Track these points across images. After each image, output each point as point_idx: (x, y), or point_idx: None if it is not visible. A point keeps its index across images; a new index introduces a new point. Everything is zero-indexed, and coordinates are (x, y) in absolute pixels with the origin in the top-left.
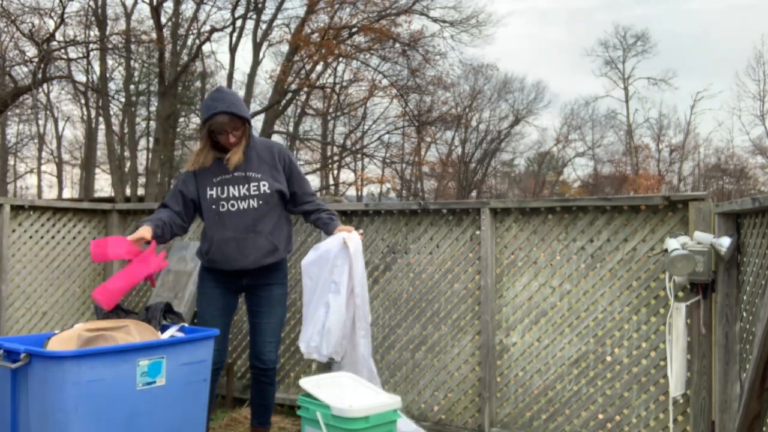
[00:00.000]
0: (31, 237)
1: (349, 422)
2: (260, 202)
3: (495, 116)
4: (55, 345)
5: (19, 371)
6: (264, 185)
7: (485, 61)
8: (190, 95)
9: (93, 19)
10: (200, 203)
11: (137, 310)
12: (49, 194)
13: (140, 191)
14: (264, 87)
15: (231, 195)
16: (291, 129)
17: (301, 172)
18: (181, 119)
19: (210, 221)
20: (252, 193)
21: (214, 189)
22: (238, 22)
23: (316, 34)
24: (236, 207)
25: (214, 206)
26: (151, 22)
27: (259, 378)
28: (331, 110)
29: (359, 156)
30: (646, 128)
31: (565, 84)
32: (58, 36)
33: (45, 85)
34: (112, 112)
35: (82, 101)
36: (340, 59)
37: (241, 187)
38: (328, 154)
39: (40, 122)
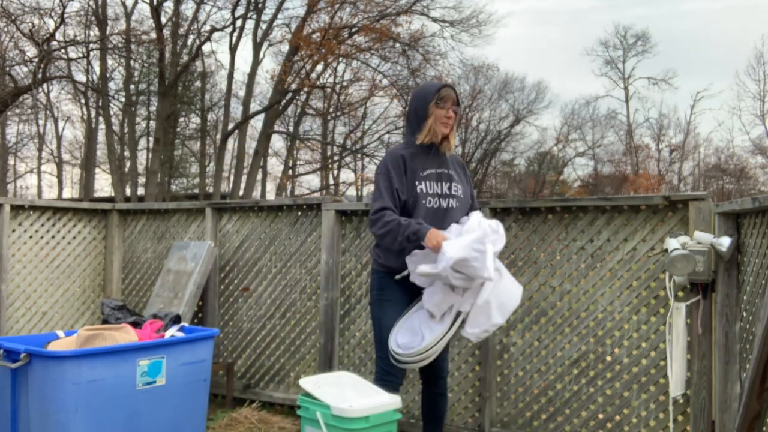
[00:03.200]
0: (31, 237)
1: (349, 422)
2: (456, 204)
3: (495, 116)
4: (55, 348)
5: (19, 371)
6: (459, 189)
7: (485, 61)
8: (190, 95)
9: (93, 19)
10: (406, 197)
11: (138, 311)
12: (49, 194)
13: (140, 191)
14: (264, 87)
15: (434, 191)
16: (291, 129)
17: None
18: (181, 119)
19: (414, 213)
20: (453, 192)
21: (423, 183)
22: (238, 22)
23: (317, 34)
24: (437, 204)
25: (419, 201)
26: (151, 22)
27: (431, 389)
28: (331, 110)
29: (359, 156)
30: (646, 128)
31: (565, 84)
32: (58, 36)
33: (45, 85)
34: (112, 112)
35: (82, 101)
36: (340, 59)
37: (445, 184)
38: (328, 154)
39: (40, 122)
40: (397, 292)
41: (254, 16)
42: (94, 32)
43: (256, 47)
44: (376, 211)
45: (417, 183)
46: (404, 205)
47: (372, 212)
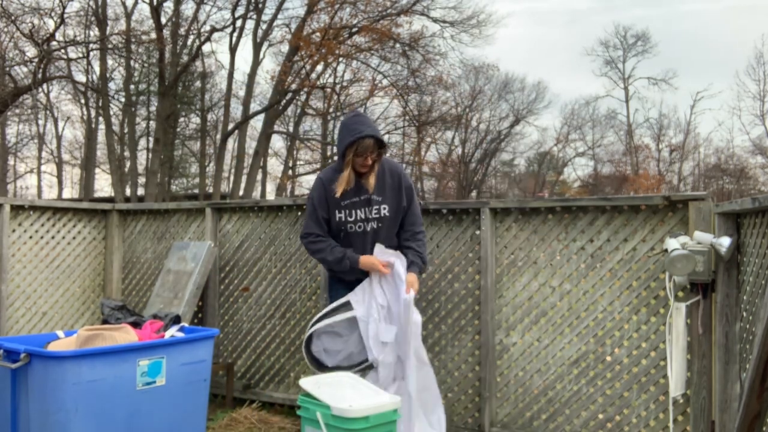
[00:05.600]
0: (31, 237)
1: (349, 422)
2: (379, 224)
3: (495, 116)
4: (55, 348)
5: (19, 371)
6: (384, 208)
7: (486, 61)
8: (190, 95)
9: (93, 19)
10: (329, 222)
11: (138, 311)
12: (49, 194)
13: (140, 191)
14: (264, 87)
15: (357, 217)
16: (291, 129)
17: (416, 205)
18: (181, 119)
19: (337, 240)
20: (373, 215)
21: (343, 212)
22: (238, 22)
23: (317, 34)
24: (362, 228)
25: (342, 227)
26: (151, 22)
27: None
28: (331, 110)
29: None
30: (646, 128)
31: (565, 84)
32: (58, 36)
33: (45, 85)
34: (112, 112)
35: (82, 101)
36: (340, 59)
37: (366, 209)
38: (328, 154)
39: (40, 122)
40: (343, 296)
41: (254, 17)
42: (94, 32)
43: (256, 47)
44: (303, 236)
45: (337, 212)
46: (329, 226)
47: (301, 236)
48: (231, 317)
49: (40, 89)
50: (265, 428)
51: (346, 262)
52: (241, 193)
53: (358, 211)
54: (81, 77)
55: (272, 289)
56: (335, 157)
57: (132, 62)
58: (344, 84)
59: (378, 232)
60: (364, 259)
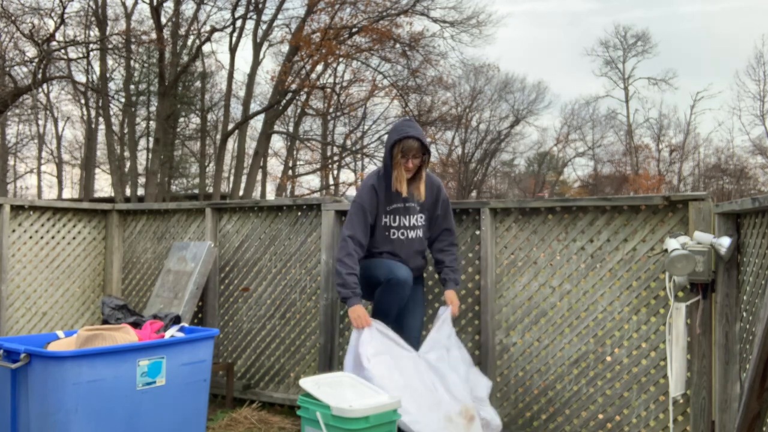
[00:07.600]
0: (31, 237)
1: (349, 422)
2: (419, 233)
3: (495, 116)
4: (55, 348)
5: (19, 371)
6: (422, 217)
7: (486, 61)
8: (190, 95)
9: (93, 19)
10: (374, 227)
11: (138, 311)
12: (49, 194)
13: (140, 191)
14: (264, 87)
15: (401, 224)
16: (291, 129)
17: (450, 212)
18: (181, 119)
19: (381, 240)
20: (418, 223)
21: (388, 217)
22: (238, 22)
23: (317, 35)
24: (406, 236)
25: (386, 232)
26: (151, 22)
27: None
28: (331, 110)
29: (359, 156)
30: (646, 128)
31: (565, 84)
32: (58, 36)
33: (45, 85)
34: (112, 112)
35: (82, 101)
36: (341, 59)
37: (411, 217)
38: (328, 154)
39: (40, 122)
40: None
41: (254, 17)
42: (94, 32)
43: (256, 47)
44: (348, 237)
45: (383, 216)
46: (373, 230)
47: (345, 236)
48: (231, 317)
49: (40, 89)
50: (265, 428)
51: (344, 291)
52: (241, 193)
53: (402, 218)
54: (81, 77)
55: (272, 289)
56: (335, 158)
57: (132, 62)
58: (344, 84)
59: (421, 241)
60: (354, 309)
